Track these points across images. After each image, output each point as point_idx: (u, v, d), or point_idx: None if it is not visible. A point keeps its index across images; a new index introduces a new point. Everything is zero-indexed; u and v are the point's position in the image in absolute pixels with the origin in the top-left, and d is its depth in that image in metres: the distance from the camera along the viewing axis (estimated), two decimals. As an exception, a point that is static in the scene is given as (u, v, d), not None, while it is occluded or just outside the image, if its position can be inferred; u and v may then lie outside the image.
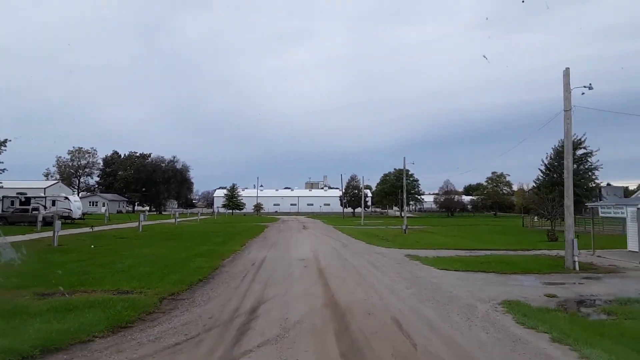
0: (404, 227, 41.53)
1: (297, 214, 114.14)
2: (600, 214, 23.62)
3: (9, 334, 7.32)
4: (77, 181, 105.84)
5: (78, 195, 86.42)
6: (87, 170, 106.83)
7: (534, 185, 52.49)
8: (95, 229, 35.25)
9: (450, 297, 11.37)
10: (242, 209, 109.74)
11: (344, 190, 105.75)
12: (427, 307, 10.17)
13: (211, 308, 9.93)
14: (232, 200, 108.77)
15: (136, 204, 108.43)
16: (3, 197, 45.46)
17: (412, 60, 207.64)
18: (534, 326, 8.44)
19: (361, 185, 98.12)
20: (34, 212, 40.61)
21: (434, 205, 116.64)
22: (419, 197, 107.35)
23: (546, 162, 47.98)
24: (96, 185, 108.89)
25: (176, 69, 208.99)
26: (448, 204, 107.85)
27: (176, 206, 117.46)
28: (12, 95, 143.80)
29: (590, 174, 44.93)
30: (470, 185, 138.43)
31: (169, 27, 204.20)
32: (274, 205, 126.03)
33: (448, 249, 25.03)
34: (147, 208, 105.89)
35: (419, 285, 13.04)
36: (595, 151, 44.98)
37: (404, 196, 52.01)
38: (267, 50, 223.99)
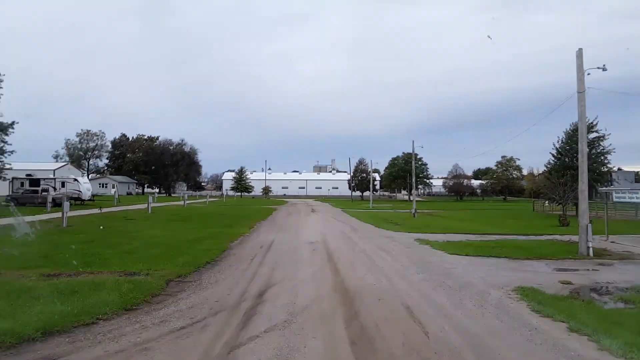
0: (413, 210, 41.23)
1: (306, 197, 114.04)
2: (615, 199, 23.15)
3: (11, 316, 7.19)
4: (87, 163, 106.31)
5: (87, 177, 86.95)
6: (96, 152, 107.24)
7: (545, 169, 51.65)
8: (105, 210, 35.33)
9: (462, 283, 11.10)
10: (250, 192, 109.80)
11: (352, 174, 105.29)
12: (438, 293, 9.91)
13: (218, 291, 9.75)
14: (241, 183, 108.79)
15: (145, 186, 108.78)
16: (13, 178, 45.64)
17: (421, 43, 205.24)
18: (550, 315, 8.15)
19: (369, 169, 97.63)
20: (43, 193, 40.78)
21: (442, 190, 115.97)
22: (427, 181, 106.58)
23: (557, 146, 47.07)
24: (105, 168, 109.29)
25: (184, 51, 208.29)
26: (457, 188, 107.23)
27: (185, 188, 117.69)
28: (21, 77, 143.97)
29: (602, 158, 44.03)
30: (479, 169, 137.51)
31: (175, 8, 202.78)
32: (282, 188, 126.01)
33: (458, 233, 24.72)
34: (157, 190, 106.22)
35: (429, 271, 12.78)
36: (608, 135, 44.08)
37: (413, 180, 51.59)
38: (275, 32, 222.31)
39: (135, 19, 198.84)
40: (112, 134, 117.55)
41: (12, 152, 41.28)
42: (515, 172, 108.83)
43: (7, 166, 42.85)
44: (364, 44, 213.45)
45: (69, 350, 6.12)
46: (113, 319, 7.56)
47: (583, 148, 17.93)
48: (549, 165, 49.00)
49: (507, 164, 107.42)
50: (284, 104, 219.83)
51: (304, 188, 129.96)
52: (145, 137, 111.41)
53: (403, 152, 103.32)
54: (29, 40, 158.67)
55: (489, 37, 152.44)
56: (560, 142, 46.85)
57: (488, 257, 15.82)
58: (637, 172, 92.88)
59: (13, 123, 39.96)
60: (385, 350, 6.32)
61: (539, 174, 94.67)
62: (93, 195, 51.44)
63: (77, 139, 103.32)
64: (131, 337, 6.64)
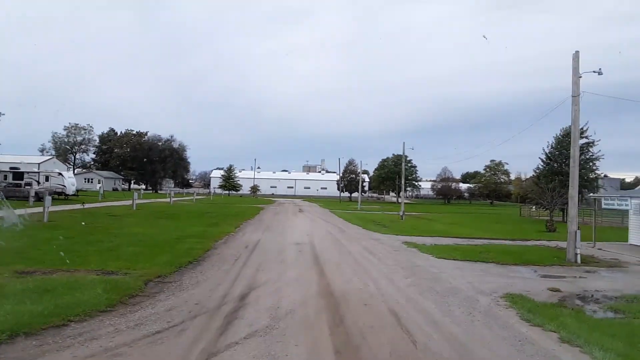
0: (401, 213, 41.07)
1: (294, 197, 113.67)
2: (604, 206, 23.12)
3: (-23, 317, 6.79)
4: (73, 157, 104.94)
5: (73, 171, 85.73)
6: (83, 146, 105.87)
7: (534, 174, 51.85)
8: (89, 206, 34.67)
9: (450, 288, 10.86)
10: (238, 190, 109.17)
11: (341, 175, 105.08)
12: (426, 299, 9.65)
13: (199, 293, 9.39)
14: (229, 181, 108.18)
15: (132, 182, 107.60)
16: (-5, 170, 44.78)
17: (413, 45, 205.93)
18: (540, 324, 7.92)
19: (359, 170, 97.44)
20: (26, 187, 40.00)
21: (431, 192, 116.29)
22: (416, 183, 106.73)
23: (547, 151, 47.28)
24: (92, 162, 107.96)
25: (174, 47, 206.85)
26: (445, 191, 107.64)
27: (173, 185, 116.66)
28: (8, 69, 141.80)
29: (591, 164, 44.27)
30: (467, 173, 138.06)
31: (169, 3, 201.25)
32: (271, 187, 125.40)
33: (446, 236, 24.58)
34: (143, 186, 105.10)
35: (417, 275, 12.53)
36: (597, 141, 44.32)
37: (402, 182, 51.45)
38: (267, 30, 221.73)
39: (127, 12, 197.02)
40: (100, 129, 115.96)
41: (-2, 144, 40.51)
42: (503, 177, 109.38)
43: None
44: (357, 44, 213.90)
45: (35, 354, 5.75)
46: (85, 321, 7.17)
47: (575, 153, 17.84)
48: (537, 171, 49.17)
49: (496, 168, 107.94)
50: (274, 103, 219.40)
51: (292, 188, 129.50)
52: (134, 132, 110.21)
53: (393, 154, 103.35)
54: (18, 31, 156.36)
55: (484, 37, 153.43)
56: (550, 148, 47.02)
57: (476, 261, 15.63)
58: (623, 179, 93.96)
59: (-1, 115, 39.23)
60: (371, 360, 6.02)
61: (526, 178, 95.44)
62: (78, 191, 50.63)
63: (64, 133, 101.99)
64: (103, 342, 6.27)
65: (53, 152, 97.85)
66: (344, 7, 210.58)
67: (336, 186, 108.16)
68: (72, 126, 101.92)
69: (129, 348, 6.08)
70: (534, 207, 49.92)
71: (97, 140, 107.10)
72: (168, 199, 52.87)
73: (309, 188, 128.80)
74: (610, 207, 22.99)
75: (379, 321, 7.82)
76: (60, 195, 43.77)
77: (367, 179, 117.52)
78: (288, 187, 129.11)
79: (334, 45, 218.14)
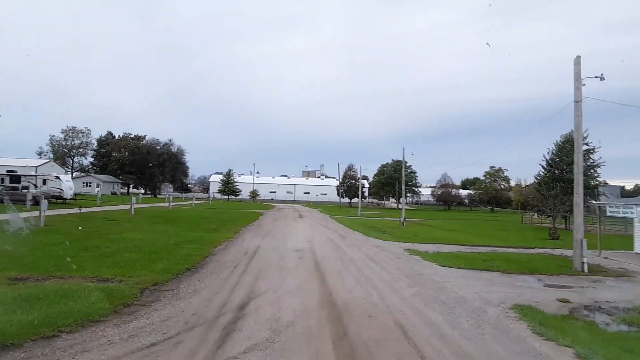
0: (402, 219, 40.71)
1: (293, 202, 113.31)
2: (608, 213, 22.78)
3: (-38, 327, 6.44)
4: (71, 161, 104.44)
5: (71, 175, 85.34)
6: (81, 150, 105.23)
7: (535, 181, 51.60)
8: (87, 210, 34.33)
9: (457, 298, 10.51)
10: (237, 195, 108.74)
11: (341, 180, 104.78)
12: (432, 309, 9.29)
13: (196, 302, 9.03)
14: (228, 186, 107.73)
15: (131, 186, 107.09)
16: (-7, 174, 44.37)
17: (413, 51, 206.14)
18: (553, 337, 7.58)
19: (358, 176, 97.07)
20: (23, 190, 39.63)
21: (431, 198, 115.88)
22: (416, 189, 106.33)
23: (548, 158, 47.05)
24: (90, 166, 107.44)
25: (173, 50, 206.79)
26: (445, 197, 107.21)
27: (172, 190, 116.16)
28: (7, 71, 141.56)
29: (592, 171, 44.00)
30: (467, 179, 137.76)
31: (167, 6, 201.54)
32: (270, 192, 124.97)
33: (448, 244, 24.23)
34: (142, 191, 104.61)
35: (421, 284, 12.18)
36: (598, 148, 44.11)
37: (403, 188, 51.10)
38: (266, 34, 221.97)
39: (127, 16, 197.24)
40: (98, 132, 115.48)
41: (-7, 147, 40.06)
42: (504, 183, 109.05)
43: (-12, 161, 41.67)
44: (356, 50, 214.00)
45: (22, 369, 5.41)
46: (77, 331, 6.83)
47: (579, 160, 17.54)
48: (538, 177, 48.92)
49: (496, 174, 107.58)
50: (273, 107, 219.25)
51: (292, 193, 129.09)
52: (132, 136, 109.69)
53: (392, 159, 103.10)
54: (16, 33, 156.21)
55: (487, 44, 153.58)
56: (550, 154, 46.78)
57: (480, 270, 15.29)
58: (623, 186, 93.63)
59: (-4, 117, 38.80)
60: (377, 377, 5.68)
61: (527, 185, 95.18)
62: (76, 194, 50.25)
63: (62, 136, 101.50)
64: (94, 354, 5.93)
65: (51, 156, 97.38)
66: (344, 12, 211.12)
67: (336, 191, 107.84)
68: (70, 129, 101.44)
69: (121, 362, 5.74)
70: (535, 214, 49.58)
71: (95, 144, 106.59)
72: (167, 204, 52.47)
73: (308, 193, 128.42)
74: (615, 214, 22.66)
75: (384, 334, 7.47)
76: (57, 199, 43.41)
77: (366, 185, 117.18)
78: (287, 192, 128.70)
79: (334, 50, 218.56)
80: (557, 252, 22.25)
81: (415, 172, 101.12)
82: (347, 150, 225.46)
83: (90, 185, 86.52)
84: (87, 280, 10.22)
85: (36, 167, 72.14)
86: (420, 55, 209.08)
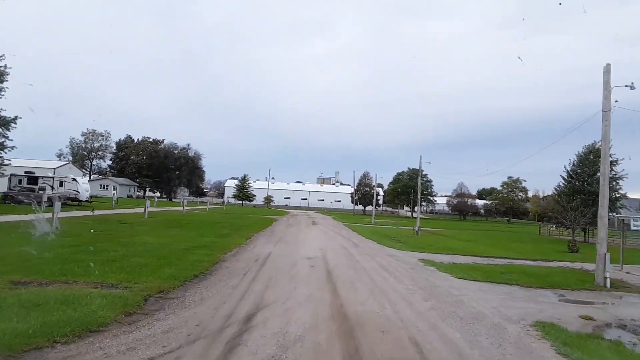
0: (416, 228, 40.07)
1: (308, 208, 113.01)
2: (633, 227, 21.99)
3: (-47, 335, 6.14)
4: (90, 163, 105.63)
5: (89, 177, 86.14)
6: (100, 153, 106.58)
7: (554, 192, 50.61)
8: (102, 212, 34.39)
9: (475, 313, 9.98)
10: (252, 200, 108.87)
11: (355, 188, 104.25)
12: (449, 325, 8.78)
13: (201, 312, 8.66)
14: (243, 191, 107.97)
15: (147, 189, 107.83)
16: (11, 175, 44.79)
17: (431, 59, 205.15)
18: (579, 359, 7.05)
19: (373, 183, 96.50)
20: (40, 191, 39.90)
21: (446, 207, 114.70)
22: (431, 198, 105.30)
23: (569, 169, 46.09)
24: (108, 169, 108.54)
25: (192, 56, 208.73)
26: (461, 207, 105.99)
27: (187, 194, 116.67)
28: (28, 73, 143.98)
29: (614, 183, 42.92)
30: (483, 189, 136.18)
31: (187, 11, 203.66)
32: (285, 198, 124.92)
33: (463, 254, 23.61)
34: (158, 194, 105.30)
35: (437, 297, 11.66)
36: (621, 160, 43.03)
37: (419, 196, 50.40)
38: (285, 40, 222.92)
39: (149, 21, 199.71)
40: (117, 135, 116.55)
41: (12, 147, 40.38)
42: (521, 194, 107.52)
43: (7, 162, 41.96)
44: (374, 57, 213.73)
45: (10, 383, 5.07)
46: (73, 342, 6.47)
47: (605, 171, 16.86)
48: (558, 189, 48.00)
49: (513, 185, 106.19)
50: (290, 113, 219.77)
51: (306, 199, 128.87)
52: (150, 140, 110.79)
53: (408, 168, 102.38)
54: (37, 35, 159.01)
55: (519, 58, 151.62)
56: (571, 165, 45.87)
57: (498, 283, 14.71)
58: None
59: (16, 118, 39.10)
60: (390, 401, 5.23)
61: (545, 196, 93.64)
62: (92, 197, 50.54)
63: (82, 139, 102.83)
64: (88, 368, 5.58)
65: (70, 158, 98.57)
66: (361, 19, 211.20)
67: (350, 199, 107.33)
68: (90, 132, 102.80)
69: (116, 378, 5.37)
70: (554, 226, 48.53)
71: (114, 147, 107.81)
72: (181, 208, 52.49)
73: (322, 200, 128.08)
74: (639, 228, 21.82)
75: (399, 352, 7.00)
76: (73, 201, 43.68)
77: (381, 193, 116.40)
78: (302, 199, 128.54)
79: (351, 57, 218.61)
80: (577, 265, 21.51)
81: (431, 181, 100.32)
82: (362, 158, 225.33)
83: (107, 188, 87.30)
84: (91, 285, 9.93)
85: (54, 169, 72.92)
86: (437, 63, 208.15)
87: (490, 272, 17.15)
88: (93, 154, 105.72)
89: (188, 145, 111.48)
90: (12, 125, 39.13)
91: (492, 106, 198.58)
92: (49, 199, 35.44)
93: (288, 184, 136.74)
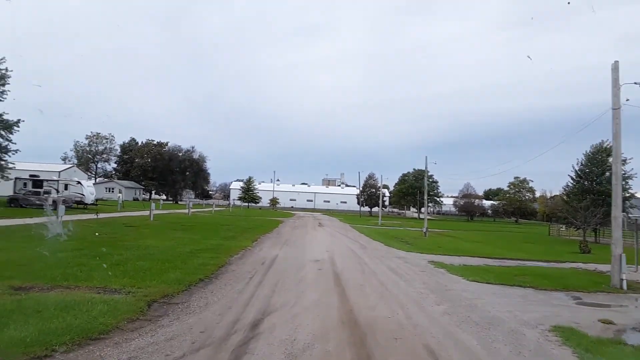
0: (424, 229, 39.65)
1: (313, 210, 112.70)
2: (647, 227, 21.47)
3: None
4: (95, 166, 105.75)
5: (94, 180, 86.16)
6: (104, 156, 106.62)
7: (563, 192, 50.08)
8: (107, 216, 34.20)
9: (490, 318, 9.60)
10: (258, 202, 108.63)
11: (361, 189, 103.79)
12: (464, 331, 8.41)
13: (206, 318, 8.34)
14: (248, 193, 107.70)
15: (153, 192, 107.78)
16: (16, 178, 44.70)
17: (437, 59, 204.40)
18: (604, 368, 6.69)
19: (379, 185, 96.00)
20: (45, 195, 39.77)
21: (452, 208, 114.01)
22: (438, 199, 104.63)
23: (577, 169, 45.54)
24: (113, 172, 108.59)
25: (197, 59, 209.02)
26: (468, 207, 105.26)
27: (193, 196, 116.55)
28: (34, 77, 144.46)
29: (624, 182, 42.36)
30: (490, 189, 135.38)
31: (192, 16, 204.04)
32: (290, 200, 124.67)
33: (474, 256, 23.19)
34: (164, 197, 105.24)
35: (450, 301, 11.28)
36: (630, 159, 42.45)
37: (425, 197, 49.93)
38: (289, 44, 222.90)
39: (153, 25, 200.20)
40: (121, 138, 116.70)
41: (16, 151, 40.32)
42: (528, 194, 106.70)
43: (11, 165, 41.90)
44: (379, 58, 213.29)
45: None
46: (72, 351, 6.17)
47: (617, 170, 16.46)
48: (566, 188, 47.47)
49: (520, 185, 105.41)
50: (295, 115, 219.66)
51: (312, 201, 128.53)
52: (155, 143, 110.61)
53: (414, 168, 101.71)
54: (43, 40, 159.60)
55: (528, 57, 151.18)
56: (579, 165, 45.34)
57: (512, 286, 14.30)
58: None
59: (19, 121, 38.97)
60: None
61: (552, 196, 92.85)
62: (97, 200, 50.40)
63: (86, 142, 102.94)
64: (87, 380, 5.27)
65: (75, 161, 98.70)
66: (365, 21, 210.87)
67: (356, 200, 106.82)
68: (94, 135, 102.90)
69: (115, 391, 5.06)
70: (563, 226, 47.97)
71: (119, 150, 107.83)
72: (187, 210, 52.29)
73: (328, 202, 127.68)
74: (654, 228, 21.31)
75: (413, 360, 6.65)
76: (79, 204, 43.54)
77: (387, 194, 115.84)
78: (307, 201, 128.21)
79: (356, 60, 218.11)
80: (590, 266, 21.05)
81: (437, 182, 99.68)
82: (367, 159, 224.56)
83: (112, 191, 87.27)
84: (93, 290, 9.64)
85: (59, 172, 72.90)
86: (443, 64, 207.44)
87: (503, 274, 16.74)
88: (98, 157, 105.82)
89: (192, 147, 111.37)
90: (15, 128, 39.03)
91: (500, 106, 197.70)
92: (54, 202, 35.35)
93: (293, 185, 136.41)
